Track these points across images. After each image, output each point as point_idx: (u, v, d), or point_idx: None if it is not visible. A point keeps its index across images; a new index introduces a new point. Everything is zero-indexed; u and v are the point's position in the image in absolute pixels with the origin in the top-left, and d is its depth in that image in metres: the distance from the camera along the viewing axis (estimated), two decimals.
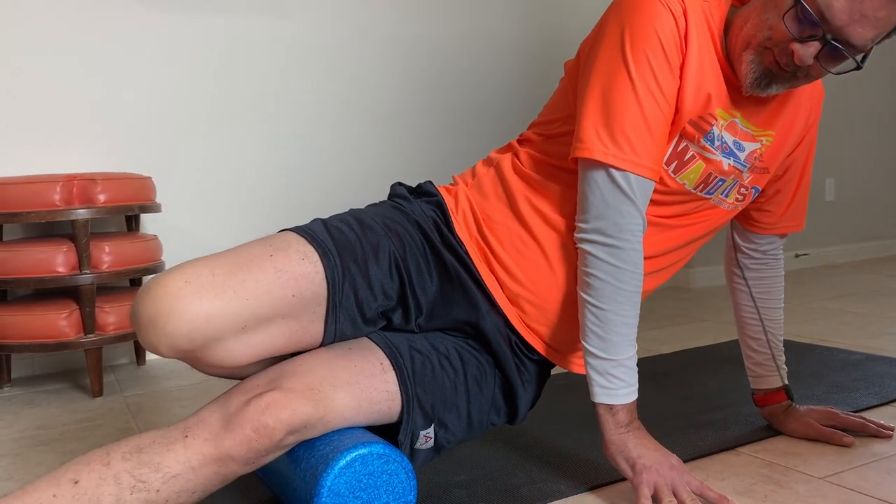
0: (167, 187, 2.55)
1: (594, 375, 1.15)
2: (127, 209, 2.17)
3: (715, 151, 1.17)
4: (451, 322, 1.22)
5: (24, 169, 2.34)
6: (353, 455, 1.04)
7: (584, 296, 1.15)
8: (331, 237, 1.14)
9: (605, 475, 1.30)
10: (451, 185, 1.31)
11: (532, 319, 1.22)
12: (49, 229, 2.35)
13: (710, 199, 1.23)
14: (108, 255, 2.12)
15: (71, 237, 2.10)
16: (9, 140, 2.33)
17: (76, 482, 0.97)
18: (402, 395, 1.13)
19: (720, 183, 1.21)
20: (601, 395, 1.15)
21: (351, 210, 1.24)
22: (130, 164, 2.49)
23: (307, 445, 1.09)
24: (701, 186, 1.20)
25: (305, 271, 1.09)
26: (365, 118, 2.93)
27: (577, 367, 1.28)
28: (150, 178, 2.32)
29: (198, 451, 1.00)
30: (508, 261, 1.21)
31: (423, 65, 3.05)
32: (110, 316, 2.13)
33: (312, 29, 2.82)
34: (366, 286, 1.14)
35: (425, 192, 1.29)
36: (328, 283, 1.10)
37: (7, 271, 2.06)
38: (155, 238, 2.32)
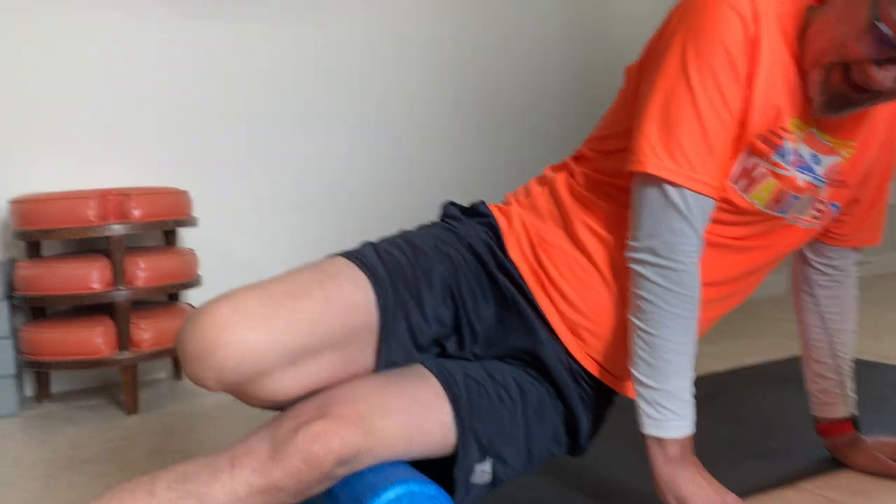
0: (205, 201, 2.51)
1: (642, 405, 1.08)
2: (162, 224, 2.14)
3: (788, 168, 1.10)
4: (509, 349, 1.16)
5: (59, 184, 2.31)
6: (403, 490, 0.98)
7: (634, 320, 1.08)
8: (382, 262, 1.09)
9: None
10: (504, 204, 1.25)
11: (592, 349, 1.16)
12: (86, 245, 2.32)
13: (785, 217, 1.15)
14: (144, 271, 2.08)
15: (106, 253, 2.07)
16: (43, 155, 2.31)
17: None
18: (457, 426, 1.07)
19: (794, 200, 1.13)
20: (649, 427, 1.08)
21: (401, 232, 1.19)
22: (166, 177, 2.45)
23: (354, 473, 1.03)
24: (773, 205, 1.13)
25: (356, 300, 1.04)
26: (406, 126, 2.88)
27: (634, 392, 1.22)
28: (185, 192, 2.29)
29: (245, 482, 0.95)
30: (566, 286, 1.14)
31: (471, 75, 3.00)
32: (146, 332, 2.09)
33: (351, 36, 2.77)
34: (419, 313, 1.08)
35: (477, 213, 1.23)
36: (380, 311, 1.05)
37: (44, 287, 2.04)
38: (191, 252, 2.28)
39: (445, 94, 2.97)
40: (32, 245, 2.17)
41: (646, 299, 1.06)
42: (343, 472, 1.00)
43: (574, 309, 1.14)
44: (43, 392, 2.24)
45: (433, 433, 1.06)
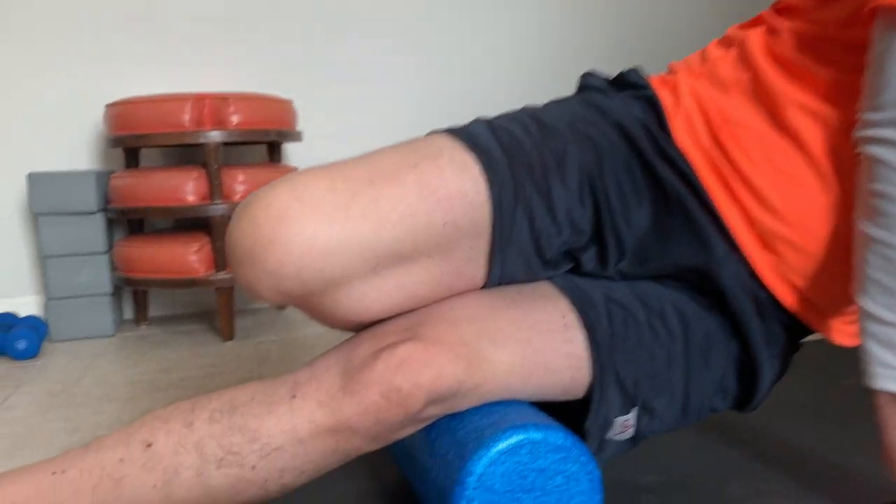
0: (310, 116, 2.29)
1: (874, 348, 0.74)
2: (263, 134, 1.94)
3: None
4: (669, 267, 0.86)
5: (156, 88, 2.15)
6: (520, 437, 0.72)
7: (866, 226, 0.73)
8: (498, 143, 0.81)
9: (876, 494, 0.91)
10: (667, 74, 0.93)
11: (791, 268, 0.83)
12: (185, 156, 2.17)
13: None
14: (242, 185, 1.89)
15: (203, 164, 1.89)
16: (141, 58, 2.15)
17: (149, 445, 0.73)
18: (592, 363, 0.79)
19: None
20: (884, 379, 0.75)
21: (525, 107, 0.90)
22: (269, 88, 2.25)
23: (454, 414, 0.79)
24: None
25: (462, 190, 0.76)
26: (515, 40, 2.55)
27: (843, 335, 0.88)
28: (289, 101, 2.07)
29: (307, 418, 0.73)
30: (760, 181, 0.82)
31: None
32: None
33: None
34: (546, 213, 0.80)
35: (630, 84, 0.92)
36: (493, 207, 0.78)
37: (137, 199, 1.89)
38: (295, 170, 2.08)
39: None
40: (129, 155, 2.02)
41: (888, 196, 0.72)
42: (437, 412, 0.76)
43: (770, 212, 0.82)
44: (141, 315, 2.13)
45: (560, 370, 0.78)
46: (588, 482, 0.75)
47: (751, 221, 0.83)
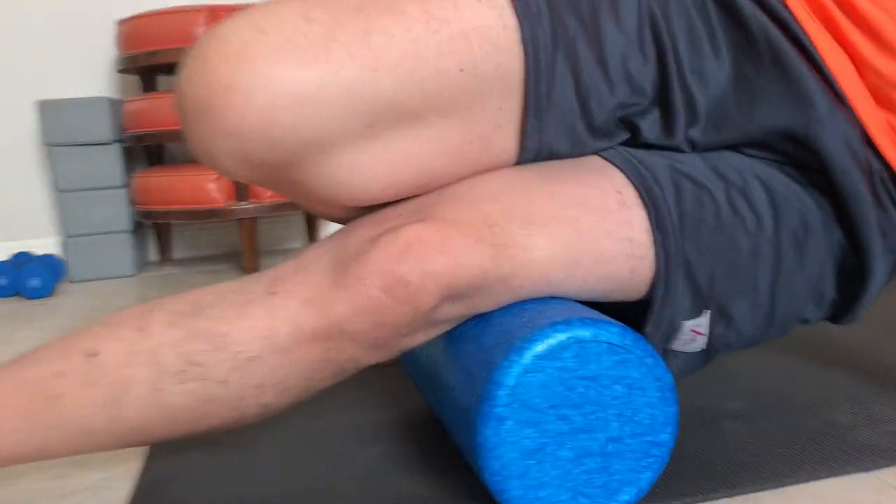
0: None
1: None
2: None
3: None
4: (754, 133, 0.66)
5: (170, 2, 1.99)
6: (563, 337, 0.55)
7: None
8: None
9: None
10: None
11: None
12: None
13: None
14: None
15: None
16: None
17: (93, 355, 0.58)
18: (656, 251, 0.61)
19: None
20: None
21: None
22: None
23: (478, 317, 0.62)
24: None
25: (483, 24, 0.58)
26: None
27: None
28: None
29: (290, 320, 0.57)
30: (879, 15, 0.63)
31: None
32: None
33: None
34: (596, 64, 0.62)
35: None
36: (525, 50, 0.59)
37: (154, 124, 1.75)
38: None
39: None
40: (145, 79, 1.88)
41: None
42: (454, 313, 0.59)
43: (890, 55, 0.62)
44: (165, 255, 2.02)
45: (614, 260, 0.61)
46: (657, 391, 0.57)
47: (864, 67, 0.64)
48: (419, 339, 0.60)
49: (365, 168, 0.58)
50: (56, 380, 0.57)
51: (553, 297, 0.61)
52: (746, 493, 0.62)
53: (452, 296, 0.56)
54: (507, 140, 0.62)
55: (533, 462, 0.56)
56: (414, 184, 0.60)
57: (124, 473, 0.72)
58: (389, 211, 0.61)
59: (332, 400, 0.83)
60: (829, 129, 0.64)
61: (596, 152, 0.66)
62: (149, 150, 1.93)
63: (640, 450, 0.58)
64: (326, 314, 0.56)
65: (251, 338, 0.57)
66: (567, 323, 0.55)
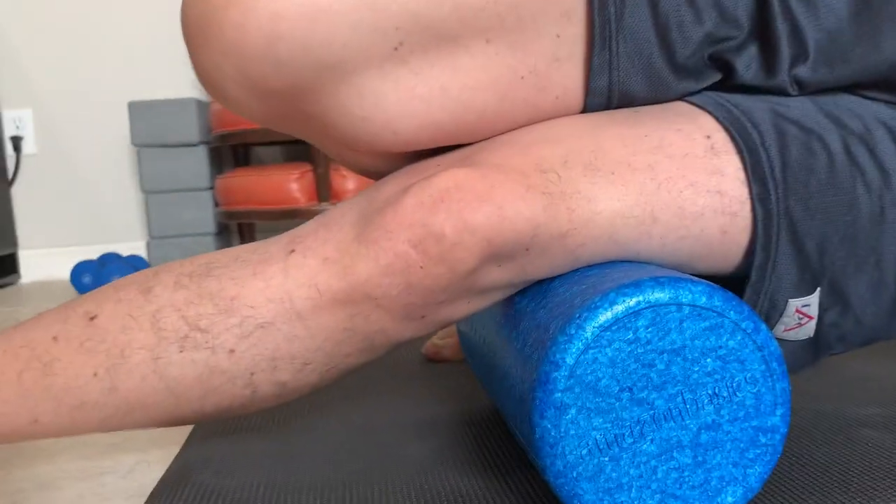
0: None
1: None
2: None
3: None
4: (877, 70, 0.53)
5: None
6: (633, 301, 0.44)
7: None
8: None
9: None
10: None
11: None
12: None
13: None
14: None
15: None
16: None
17: (92, 318, 0.52)
18: (753, 207, 0.50)
19: None
20: None
21: None
22: None
23: (537, 287, 0.53)
24: None
25: None
26: None
27: None
28: None
29: (308, 282, 0.49)
30: None
31: None
32: (349, 181, 1.71)
33: None
34: None
35: None
36: None
37: (238, 122, 1.73)
38: None
39: None
40: None
41: None
42: (503, 278, 0.49)
43: None
44: None
45: (702, 217, 0.50)
46: (760, 363, 0.45)
47: None
48: (461, 310, 0.50)
49: (392, 101, 0.49)
50: (53, 344, 0.52)
51: (624, 261, 0.51)
52: None
53: (497, 255, 0.47)
54: (568, 78, 0.52)
55: (606, 459, 0.45)
56: (455, 126, 0.51)
57: (159, 457, 0.66)
58: (429, 161, 0.53)
59: (388, 394, 0.77)
60: None
61: (682, 97, 0.55)
62: (235, 151, 1.92)
63: (744, 438, 0.46)
64: (348, 274, 0.48)
65: (263, 300, 0.49)
66: (637, 285, 0.44)
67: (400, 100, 0.49)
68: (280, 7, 0.44)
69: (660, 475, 0.46)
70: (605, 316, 0.44)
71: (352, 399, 0.77)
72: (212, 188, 1.85)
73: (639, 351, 0.45)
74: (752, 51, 0.54)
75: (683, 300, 0.44)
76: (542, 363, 0.45)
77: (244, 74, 0.47)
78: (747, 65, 0.54)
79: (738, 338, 0.45)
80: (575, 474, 0.45)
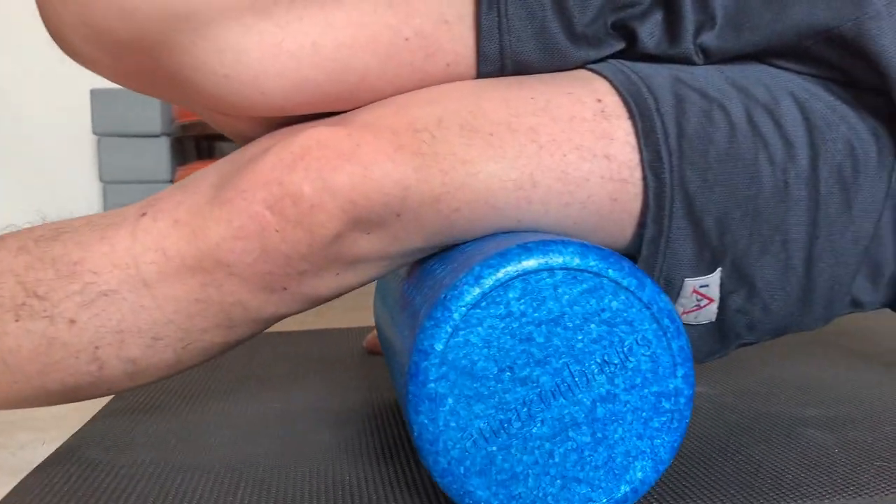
0: None
1: None
2: None
3: None
4: (787, 35, 0.49)
5: None
6: (501, 273, 0.40)
7: None
8: None
9: None
10: None
11: None
12: None
13: None
14: None
15: None
16: None
17: None
18: (645, 177, 0.47)
19: None
20: None
21: None
22: None
23: (418, 264, 0.50)
24: None
25: None
26: None
27: None
28: None
29: (155, 245, 0.45)
30: None
31: None
32: None
33: None
34: None
35: None
36: None
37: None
38: None
39: None
40: None
41: None
42: (373, 248, 0.45)
43: None
44: None
45: (584, 182, 0.46)
46: (650, 321, 0.41)
47: None
48: (330, 284, 0.47)
49: (255, 57, 0.44)
50: None
51: (505, 232, 0.48)
52: None
53: (363, 220, 0.44)
54: (459, 42, 0.48)
55: (495, 449, 0.41)
56: (333, 89, 0.47)
57: (56, 436, 0.62)
58: (304, 124, 0.49)
59: (320, 383, 0.74)
60: (889, 27, 0.48)
61: (579, 65, 0.52)
62: (198, 143, 1.89)
63: (645, 407, 0.42)
64: (198, 238, 0.44)
65: (107, 265, 0.45)
66: (503, 254, 0.40)
67: (265, 55, 0.45)
68: None
69: (557, 459, 0.42)
70: (471, 293, 0.40)
71: (278, 387, 0.74)
72: (172, 181, 1.81)
73: (514, 326, 0.41)
74: (657, 18, 0.50)
75: (554, 264, 0.40)
76: (412, 353, 0.41)
77: (88, 25, 0.43)
78: (651, 33, 0.50)
79: (622, 297, 0.41)
80: (462, 470, 0.41)
